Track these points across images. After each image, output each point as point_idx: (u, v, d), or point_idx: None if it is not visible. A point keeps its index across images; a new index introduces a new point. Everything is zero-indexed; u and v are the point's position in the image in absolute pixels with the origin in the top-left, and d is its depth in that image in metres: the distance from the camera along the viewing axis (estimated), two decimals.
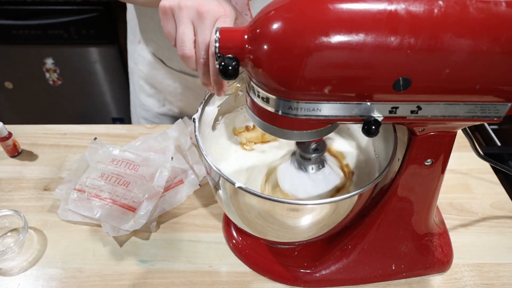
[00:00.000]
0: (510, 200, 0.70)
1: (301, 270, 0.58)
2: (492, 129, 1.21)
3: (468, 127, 0.49)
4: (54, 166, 0.75)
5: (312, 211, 0.45)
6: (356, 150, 0.59)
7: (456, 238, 0.63)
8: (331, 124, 0.41)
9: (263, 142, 0.61)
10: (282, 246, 0.61)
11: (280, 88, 0.36)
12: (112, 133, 0.82)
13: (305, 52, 0.34)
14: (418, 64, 0.34)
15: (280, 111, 0.38)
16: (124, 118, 1.79)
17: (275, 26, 0.35)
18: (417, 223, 0.55)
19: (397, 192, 0.51)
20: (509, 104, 0.38)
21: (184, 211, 0.68)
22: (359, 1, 0.33)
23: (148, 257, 0.61)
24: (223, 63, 0.37)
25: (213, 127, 0.59)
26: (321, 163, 0.50)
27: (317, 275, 0.58)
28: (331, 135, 0.60)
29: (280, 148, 0.60)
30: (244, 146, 0.60)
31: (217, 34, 0.37)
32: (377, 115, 0.38)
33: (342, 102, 0.37)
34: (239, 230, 0.63)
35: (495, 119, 0.39)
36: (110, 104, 1.75)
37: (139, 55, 0.86)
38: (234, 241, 0.62)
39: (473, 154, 0.56)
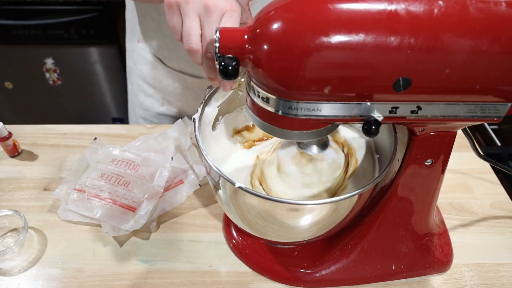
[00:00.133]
0: (510, 200, 0.70)
1: (301, 270, 0.58)
2: (492, 129, 1.21)
3: (468, 127, 0.49)
4: (54, 166, 0.75)
5: (312, 211, 0.45)
6: (359, 138, 0.59)
7: (456, 238, 0.63)
8: (331, 124, 0.41)
9: (262, 139, 0.61)
10: (282, 246, 0.61)
11: (280, 88, 0.36)
12: (112, 133, 0.82)
13: (305, 52, 0.34)
14: (418, 64, 0.34)
15: (280, 111, 0.38)
16: (124, 118, 1.79)
17: (275, 26, 0.35)
18: (417, 223, 0.55)
19: (397, 192, 0.51)
20: (509, 104, 0.38)
21: (184, 211, 0.68)
22: (359, 1, 0.33)
23: (148, 257, 0.61)
24: (223, 63, 0.37)
25: (213, 127, 0.59)
26: (324, 145, 0.51)
27: (317, 275, 0.58)
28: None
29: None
30: (244, 144, 0.61)
31: (217, 34, 0.37)
32: (377, 115, 0.38)
33: (342, 102, 0.37)
34: (239, 230, 0.63)
35: (495, 119, 0.39)
36: (110, 104, 1.75)
37: (138, 55, 0.85)
38: (234, 241, 0.62)
39: (473, 154, 0.56)
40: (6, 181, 0.73)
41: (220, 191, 0.48)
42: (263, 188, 0.53)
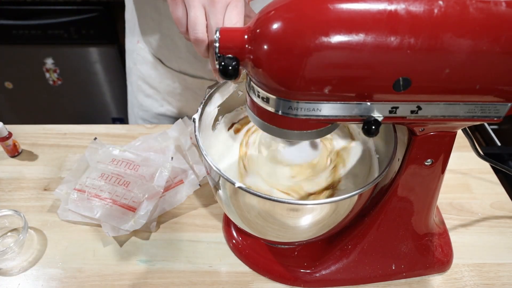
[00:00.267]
0: (510, 200, 0.70)
1: (301, 270, 0.58)
2: (492, 129, 1.21)
3: (468, 127, 0.49)
4: (54, 166, 0.75)
5: (312, 211, 0.45)
6: (355, 149, 0.59)
7: (456, 238, 0.63)
8: (331, 124, 0.41)
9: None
10: (282, 246, 0.61)
11: (280, 88, 0.36)
12: (112, 133, 0.82)
13: (305, 52, 0.34)
14: (418, 64, 0.34)
15: (280, 111, 0.38)
16: (124, 118, 1.79)
17: (275, 26, 0.35)
18: (417, 223, 0.55)
19: (397, 192, 0.51)
20: (509, 104, 0.38)
21: (184, 211, 0.68)
22: (359, 1, 0.33)
23: (148, 257, 0.61)
24: (223, 63, 0.37)
25: (213, 127, 0.59)
26: None
27: (317, 275, 0.58)
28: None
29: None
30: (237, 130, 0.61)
31: (217, 34, 0.37)
32: (377, 115, 0.38)
33: (342, 102, 0.37)
34: (239, 230, 0.63)
35: (495, 119, 0.39)
36: (110, 104, 1.75)
37: (138, 55, 0.85)
38: (234, 241, 0.62)
39: (473, 154, 0.56)
40: (6, 181, 0.73)
41: (220, 191, 0.48)
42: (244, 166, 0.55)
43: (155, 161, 0.68)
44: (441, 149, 0.46)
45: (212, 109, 0.56)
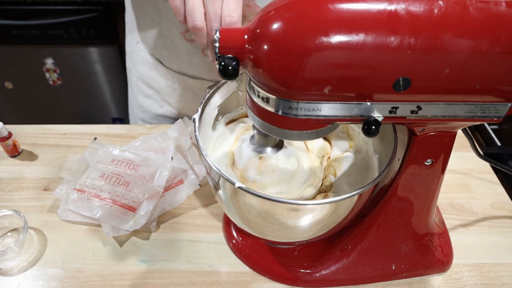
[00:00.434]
0: (510, 200, 0.70)
1: (301, 270, 0.58)
2: (492, 129, 1.21)
3: (468, 127, 0.49)
4: (54, 166, 0.75)
5: (312, 211, 0.45)
6: (350, 156, 0.59)
7: (456, 238, 0.63)
8: (331, 124, 0.41)
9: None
10: (282, 246, 0.61)
11: (280, 88, 0.36)
12: (112, 133, 0.82)
13: (305, 52, 0.34)
14: (418, 64, 0.34)
15: (280, 111, 0.38)
16: (124, 118, 1.79)
17: (275, 26, 0.35)
18: (417, 223, 0.55)
19: (397, 192, 0.51)
20: (509, 104, 0.38)
21: (184, 211, 0.68)
22: (359, 1, 0.33)
23: (148, 257, 0.61)
24: (223, 63, 0.37)
25: (213, 127, 0.59)
26: (278, 146, 0.52)
27: (317, 275, 0.58)
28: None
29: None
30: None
31: (217, 34, 0.37)
32: (377, 115, 0.38)
33: (342, 102, 0.37)
34: (239, 230, 0.63)
35: (495, 119, 0.39)
36: (110, 104, 1.75)
37: (138, 56, 0.85)
38: (234, 241, 0.62)
39: (473, 154, 0.56)
40: (6, 181, 0.73)
41: (220, 191, 0.48)
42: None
43: (155, 161, 0.68)
44: (441, 149, 0.46)
45: (212, 109, 0.56)
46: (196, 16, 0.45)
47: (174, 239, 0.64)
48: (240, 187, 0.43)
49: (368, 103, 0.37)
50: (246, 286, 0.58)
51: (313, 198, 0.53)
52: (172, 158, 0.68)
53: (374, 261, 0.57)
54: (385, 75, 0.35)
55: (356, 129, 0.61)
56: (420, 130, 0.43)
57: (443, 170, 0.49)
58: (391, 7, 0.33)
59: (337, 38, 0.33)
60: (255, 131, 0.51)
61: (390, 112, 0.38)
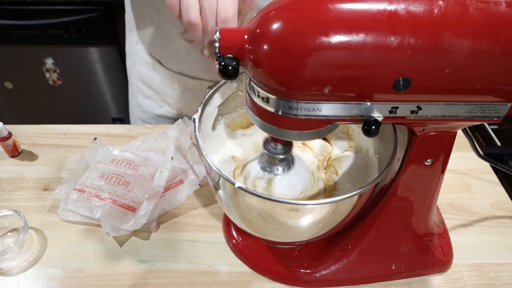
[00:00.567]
0: (510, 200, 0.70)
1: (301, 270, 0.58)
2: (492, 129, 1.21)
3: (468, 127, 0.49)
4: (54, 166, 0.75)
5: (312, 211, 0.45)
6: (350, 155, 0.59)
7: (456, 238, 0.63)
8: (331, 124, 0.41)
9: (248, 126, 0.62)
10: (282, 246, 0.61)
11: (280, 88, 0.36)
12: (112, 133, 0.82)
13: (305, 52, 0.34)
14: (418, 64, 0.34)
15: (280, 111, 0.38)
16: (124, 118, 1.79)
17: (275, 26, 0.35)
18: (417, 223, 0.55)
19: (397, 192, 0.51)
20: (509, 104, 0.38)
21: (184, 211, 0.68)
22: (359, 1, 0.33)
23: (148, 257, 0.61)
24: (223, 63, 0.37)
25: (213, 127, 0.59)
26: (287, 166, 0.51)
27: (317, 275, 0.58)
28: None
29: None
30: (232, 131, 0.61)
31: (217, 34, 0.37)
32: (377, 115, 0.38)
33: (342, 102, 0.37)
34: (239, 230, 0.63)
35: (495, 119, 0.39)
36: (110, 104, 1.75)
37: (137, 56, 0.85)
38: (234, 241, 0.62)
39: (473, 154, 0.56)
40: (6, 181, 0.73)
41: (220, 191, 0.48)
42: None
43: (155, 161, 0.68)
44: (441, 149, 0.46)
45: (212, 109, 0.56)
46: (191, 12, 0.44)
47: (174, 239, 0.64)
48: (240, 187, 0.43)
49: (368, 103, 0.37)
50: (246, 286, 0.58)
51: (316, 198, 0.53)
52: (172, 158, 0.68)
53: (374, 261, 0.57)
54: (385, 75, 0.35)
55: (356, 129, 0.61)
56: (420, 130, 0.43)
57: (443, 170, 0.49)
58: (391, 7, 0.33)
59: (337, 38, 0.33)
60: (264, 150, 0.50)
61: (390, 112, 0.38)
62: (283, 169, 0.51)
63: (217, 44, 0.37)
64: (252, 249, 0.61)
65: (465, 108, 0.38)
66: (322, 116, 0.38)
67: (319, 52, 0.33)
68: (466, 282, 0.59)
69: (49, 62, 1.58)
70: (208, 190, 0.71)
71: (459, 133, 0.64)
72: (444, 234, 0.62)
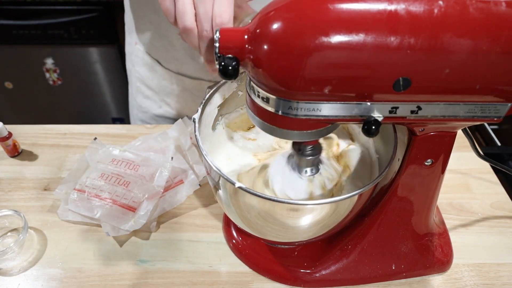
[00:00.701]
0: (510, 200, 0.70)
1: (301, 270, 0.58)
2: (492, 129, 1.21)
3: (468, 127, 0.49)
4: (54, 166, 0.75)
5: (312, 211, 0.45)
6: (356, 149, 0.59)
7: (456, 238, 0.63)
8: (331, 124, 0.41)
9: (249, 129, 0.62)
10: (282, 246, 0.61)
11: (280, 88, 0.36)
12: (112, 133, 0.82)
13: (305, 52, 0.34)
14: (418, 64, 0.34)
15: (280, 111, 0.38)
16: (124, 118, 1.79)
17: (275, 26, 0.35)
18: (417, 223, 0.55)
19: (397, 192, 0.51)
20: (509, 104, 0.38)
21: (184, 211, 0.68)
22: (359, 1, 0.33)
23: (148, 257, 0.61)
24: (223, 63, 0.37)
25: (213, 127, 0.59)
26: (315, 167, 0.50)
27: (317, 275, 0.58)
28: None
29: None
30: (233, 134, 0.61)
31: (217, 34, 0.37)
32: (377, 115, 0.38)
33: (342, 102, 0.37)
34: (239, 230, 0.63)
35: (495, 119, 0.39)
36: (110, 104, 1.75)
37: (136, 57, 0.85)
38: (234, 241, 0.62)
39: (473, 154, 0.56)
40: (6, 181, 0.73)
41: (220, 191, 0.48)
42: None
43: (155, 161, 0.68)
44: (441, 149, 0.46)
45: (212, 109, 0.56)
46: (186, 17, 0.44)
47: (174, 239, 0.64)
48: (240, 187, 0.43)
49: (368, 103, 0.37)
50: (246, 286, 0.58)
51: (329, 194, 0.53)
52: (172, 158, 0.69)
53: (374, 261, 0.57)
54: (385, 75, 0.35)
55: (356, 128, 0.61)
56: (420, 130, 0.43)
57: (443, 170, 0.49)
58: (391, 7, 0.33)
59: (337, 38, 0.33)
60: (293, 151, 0.49)
61: (390, 112, 0.38)
62: (311, 170, 0.51)
63: (217, 44, 0.37)
64: (252, 249, 0.61)
65: (465, 108, 0.38)
66: (322, 116, 0.38)
67: (319, 52, 0.33)
68: (466, 282, 0.59)
69: (49, 62, 1.58)
70: (208, 190, 0.71)
71: (459, 133, 0.64)
72: (444, 234, 0.62)
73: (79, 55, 1.57)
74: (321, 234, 0.52)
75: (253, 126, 0.63)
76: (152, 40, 0.79)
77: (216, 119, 0.59)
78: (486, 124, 1.21)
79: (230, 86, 0.57)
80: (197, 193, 0.70)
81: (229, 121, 0.62)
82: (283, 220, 0.47)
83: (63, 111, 1.76)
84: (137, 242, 0.63)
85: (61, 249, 0.62)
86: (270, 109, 0.38)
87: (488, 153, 1.02)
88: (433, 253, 0.58)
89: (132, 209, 0.62)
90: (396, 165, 0.49)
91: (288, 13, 0.34)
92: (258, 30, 0.36)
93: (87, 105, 1.74)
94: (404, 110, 0.38)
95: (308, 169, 0.50)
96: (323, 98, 0.36)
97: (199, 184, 0.69)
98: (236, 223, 0.55)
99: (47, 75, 1.62)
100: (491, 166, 0.76)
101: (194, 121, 0.51)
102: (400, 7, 0.33)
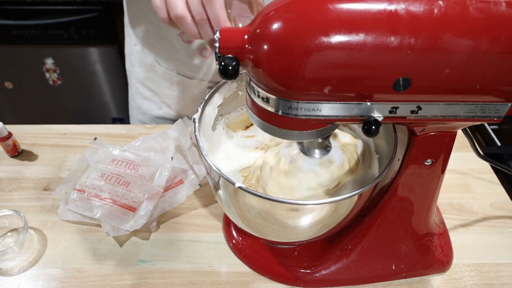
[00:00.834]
0: (510, 200, 0.70)
1: (301, 270, 0.58)
2: (492, 129, 1.21)
3: (468, 127, 0.49)
4: (54, 166, 0.75)
5: (312, 211, 0.45)
6: (359, 146, 0.59)
7: (456, 238, 0.63)
8: (331, 124, 0.41)
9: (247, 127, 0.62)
10: (282, 246, 0.61)
11: (280, 88, 0.36)
12: (112, 133, 0.82)
13: (305, 52, 0.34)
14: (418, 64, 0.34)
15: (280, 111, 0.38)
16: (124, 118, 1.79)
17: (275, 26, 0.35)
18: (417, 223, 0.55)
19: (397, 192, 0.51)
20: (509, 104, 0.38)
21: (184, 211, 0.68)
22: (359, 1, 0.33)
23: (148, 257, 0.61)
24: (223, 63, 0.37)
25: (213, 127, 0.59)
26: (327, 147, 0.51)
27: (317, 275, 0.58)
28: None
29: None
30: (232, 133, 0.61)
31: (217, 34, 0.37)
32: (377, 115, 0.38)
33: (342, 102, 0.37)
34: (239, 230, 0.63)
35: (495, 119, 0.39)
36: (110, 104, 1.75)
37: (136, 58, 0.85)
38: (234, 241, 0.62)
39: (473, 154, 0.56)
40: (6, 181, 0.73)
41: (220, 191, 0.48)
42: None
43: (155, 161, 0.68)
44: (441, 149, 0.46)
45: (212, 109, 0.56)
46: (178, 5, 0.44)
47: (174, 239, 0.64)
48: (240, 187, 0.43)
49: (368, 103, 0.37)
50: (246, 286, 0.58)
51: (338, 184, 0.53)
52: (172, 158, 0.69)
53: (374, 261, 0.57)
54: (385, 75, 0.35)
55: (356, 128, 0.61)
56: (420, 130, 0.43)
57: (443, 170, 0.49)
58: (391, 7, 0.33)
59: (337, 38, 0.33)
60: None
61: (390, 112, 0.38)
62: (321, 153, 0.51)
63: (217, 44, 0.37)
64: (252, 249, 0.61)
65: (465, 108, 0.38)
66: (322, 116, 0.38)
67: (319, 52, 0.33)
68: (466, 282, 0.59)
69: (49, 62, 1.58)
70: (208, 190, 0.71)
71: (459, 133, 0.64)
72: (444, 234, 0.62)
73: (79, 55, 1.57)
74: (321, 234, 0.52)
75: (251, 124, 0.63)
76: (151, 41, 0.79)
77: (216, 119, 0.59)
78: (486, 124, 1.21)
79: (230, 86, 0.57)
80: (197, 193, 0.70)
81: (229, 121, 0.62)
82: (283, 220, 0.47)
83: (63, 111, 1.76)
84: (137, 242, 0.63)
85: (61, 249, 0.62)
86: (270, 109, 0.38)
87: (488, 153, 1.02)
88: (433, 253, 0.58)
89: (132, 209, 0.62)
90: (396, 165, 0.49)
91: (288, 13, 0.34)
92: (258, 30, 0.36)
93: (87, 105, 1.74)
94: (404, 110, 0.38)
95: (318, 151, 0.51)
96: (323, 98, 0.36)
97: (199, 184, 0.69)
98: (236, 223, 0.55)
99: (47, 75, 1.61)
100: (491, 166, 0.76)
101: (194, 121, 0.51)
102: (400, 7, 0.33)
